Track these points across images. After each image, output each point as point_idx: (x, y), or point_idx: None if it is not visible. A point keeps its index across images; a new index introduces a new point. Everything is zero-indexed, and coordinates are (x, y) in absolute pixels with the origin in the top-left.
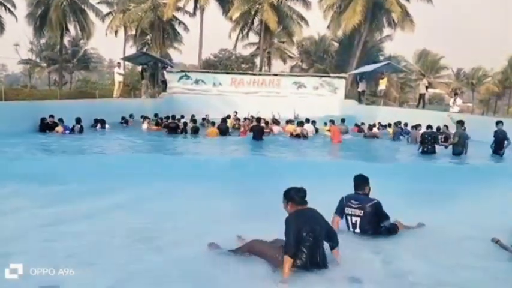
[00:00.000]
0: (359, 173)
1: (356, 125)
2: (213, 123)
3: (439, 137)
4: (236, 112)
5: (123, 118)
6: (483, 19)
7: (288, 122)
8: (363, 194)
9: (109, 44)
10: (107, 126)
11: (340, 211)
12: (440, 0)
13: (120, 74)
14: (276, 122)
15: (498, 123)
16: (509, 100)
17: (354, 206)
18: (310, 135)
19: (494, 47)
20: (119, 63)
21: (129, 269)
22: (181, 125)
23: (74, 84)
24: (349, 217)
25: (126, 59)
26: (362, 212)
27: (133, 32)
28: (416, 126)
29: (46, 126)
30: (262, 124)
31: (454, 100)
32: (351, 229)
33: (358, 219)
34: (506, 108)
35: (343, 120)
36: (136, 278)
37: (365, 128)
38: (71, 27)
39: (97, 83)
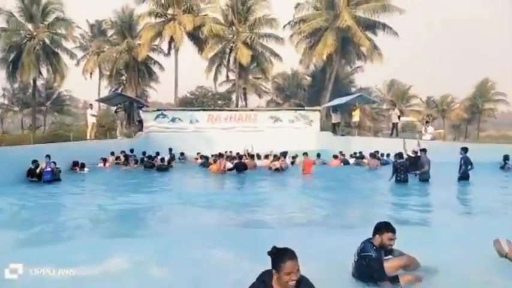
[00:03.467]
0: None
1: (335, 156)
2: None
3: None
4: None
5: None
6: (447, 49)
7: (269, 156)
8: (370, 243)
9: (83, 85)
10: (86, 169)
11: None
12: (405, 33)
13: (93, 115)
14: (252, 156)
15: (463, 149)
16: (478, 125)
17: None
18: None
19: (460, 74)
20: (91, 104)
21: None
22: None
23: (48, 127)
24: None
25: (101, 100)
26: (355, 258)
27: (108, 73)
28: (374, 155)
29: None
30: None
31: (425, 128)
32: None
33: (353, 264)
34: (476, 133)
35: (318, 155)
36: None
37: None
38: (44, 70)
39: (72, 125)
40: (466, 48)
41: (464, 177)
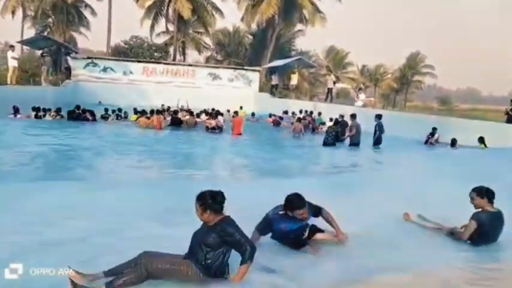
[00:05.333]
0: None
1: (270, 115)
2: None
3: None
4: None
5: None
6: (383, 20)
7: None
8: (281, 209)
9: (4, 25)
10: None
11: None
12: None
13: (14, 58)
14: (191, 113)
15: (377, 116)
16: (406, 95)
17: None
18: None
19: (395, 45)
20: (12, 46)
21: None
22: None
23: None
24: None
25: (24, 42)
26: None
27: (33, 14)
28: (300, 119)
29: None
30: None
31: (358, 95)
32: None
33: None
34: (403, 103)
35: (253, 114)
36: None
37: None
38: None
39: None
40: (407, 21)
41: (377, 142)
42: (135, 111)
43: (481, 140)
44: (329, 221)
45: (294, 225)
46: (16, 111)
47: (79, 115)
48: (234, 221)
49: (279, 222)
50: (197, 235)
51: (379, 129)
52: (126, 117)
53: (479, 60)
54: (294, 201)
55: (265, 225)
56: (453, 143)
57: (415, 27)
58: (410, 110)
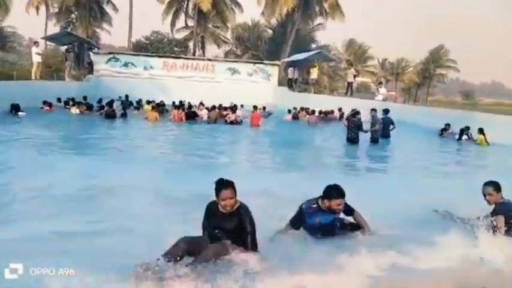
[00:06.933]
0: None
1: (289, 111)
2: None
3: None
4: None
5: (44, 102)
6: (406, 11)
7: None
8: (315, 201)
9: (29, 21)
10: (20, 113)
11: None
12: None
13: (38, 54)
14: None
15: (384, 111)
16: (428, 89)
17: None
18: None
19: (418, 39)
20: (36, 42)
21: None
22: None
23: None
24: None
25: (48, 38)
26: None
27: (57, 10)
28: (313, 111)
29: None
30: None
31: (378, 89)
32: None
33: None
34: (425, 97)
35: (264, 108)
36: None
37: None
38: None
39: (16, 63)
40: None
41: (384, 135)
42: (148, 102)
43: (481, 131)
44: (361, 224)
45: (327, 218)
46: (49, 105)
47: (112, 112)
48: (248, 208)
49: (314, 216)
50: (214, 222)
51: (385, 123)
52: (140, 108)
53: (505, 53)
54: (335, 190)
55: (299, 219)
56: (460, 136)
57: (438, 22)
58: (433, 104)
